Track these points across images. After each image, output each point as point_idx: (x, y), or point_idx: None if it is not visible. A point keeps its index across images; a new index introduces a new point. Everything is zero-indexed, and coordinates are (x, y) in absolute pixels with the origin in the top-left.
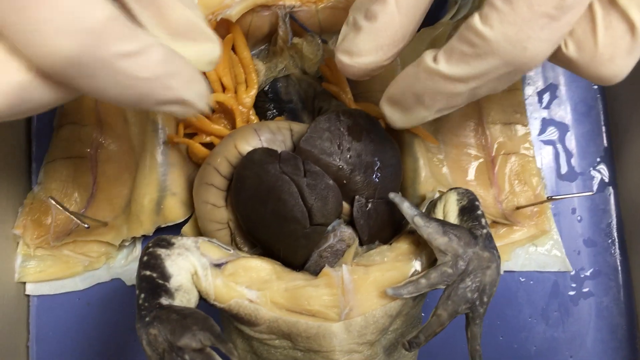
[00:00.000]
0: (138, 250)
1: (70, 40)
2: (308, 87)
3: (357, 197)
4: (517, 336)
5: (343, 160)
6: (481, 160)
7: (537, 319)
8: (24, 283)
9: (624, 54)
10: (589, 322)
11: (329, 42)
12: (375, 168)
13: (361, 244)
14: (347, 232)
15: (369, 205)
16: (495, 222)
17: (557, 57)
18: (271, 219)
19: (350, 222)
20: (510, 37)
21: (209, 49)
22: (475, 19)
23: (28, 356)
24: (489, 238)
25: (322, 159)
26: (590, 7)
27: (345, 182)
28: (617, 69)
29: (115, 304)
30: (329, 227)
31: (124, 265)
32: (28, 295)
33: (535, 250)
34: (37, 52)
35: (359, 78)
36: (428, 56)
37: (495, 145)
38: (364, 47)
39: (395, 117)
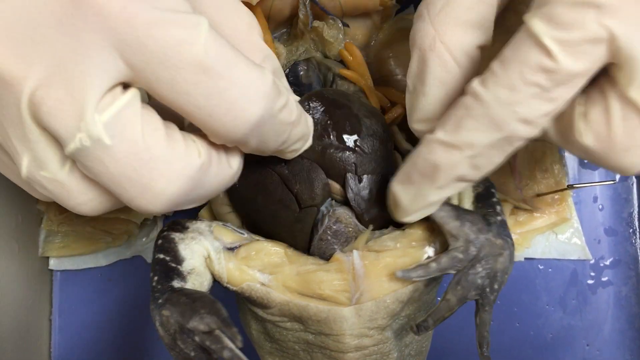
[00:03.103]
0: (159, 228)
1: (257, 107)
2: (327, 71)
3: (348, 175)
4: (534, 323)
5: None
6: None
7: (555, 307)
8: (48, 258)
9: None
10: (607, 311)
11: (349, 25)
12: (354, 141)
13: (363, 223)
14: (339, 210)
15: (362, 181)
16: (516, 208)
17: (576, 146)
18: (264, 211)
19: (345, 202)
20: (501, 98)
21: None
22: (475, 82)
23: (50, 329)
24: (503, 225)
25: None
26: (606, 98)
27: (323, 159)
28: (636, 159)
29: (135, 280)
30: (323, 209)
31: (145, 242)
32: (51, 270)
33: (555, 238)
34: (228, 126)
35: None
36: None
37: None
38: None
39: (403, 197)
